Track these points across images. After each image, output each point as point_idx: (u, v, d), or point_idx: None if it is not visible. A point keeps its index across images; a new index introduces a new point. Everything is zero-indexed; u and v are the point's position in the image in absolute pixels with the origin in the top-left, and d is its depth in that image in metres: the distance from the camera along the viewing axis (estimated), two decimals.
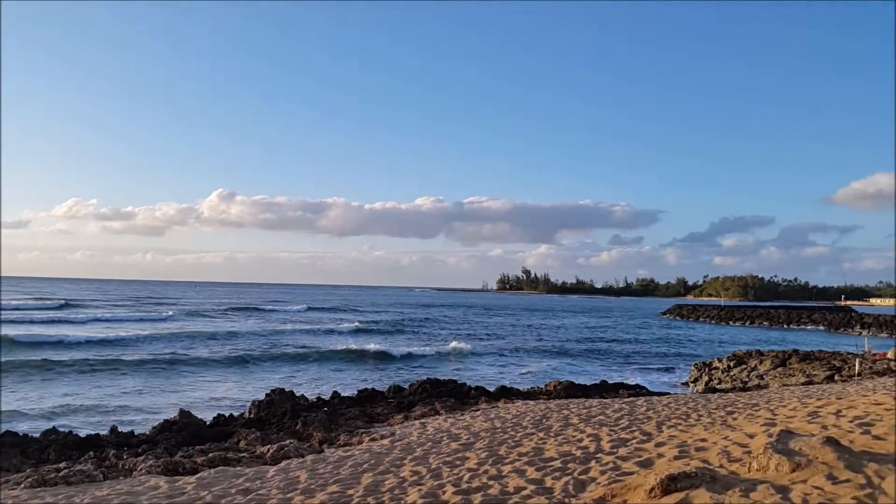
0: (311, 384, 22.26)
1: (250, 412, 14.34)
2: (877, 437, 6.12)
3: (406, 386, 17.73)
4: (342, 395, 16.89)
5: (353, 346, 32.80)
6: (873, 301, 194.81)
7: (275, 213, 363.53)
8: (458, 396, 15.66)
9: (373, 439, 10.19)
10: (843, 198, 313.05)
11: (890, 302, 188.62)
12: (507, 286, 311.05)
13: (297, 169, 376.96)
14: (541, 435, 9.07)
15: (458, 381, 18.11)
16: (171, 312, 59.36)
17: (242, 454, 9.69)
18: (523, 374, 26.84)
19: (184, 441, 11.08)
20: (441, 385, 17.17)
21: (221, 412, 14.57)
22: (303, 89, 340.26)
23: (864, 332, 59.29)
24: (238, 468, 8.48)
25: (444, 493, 6.20)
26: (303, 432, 11.31)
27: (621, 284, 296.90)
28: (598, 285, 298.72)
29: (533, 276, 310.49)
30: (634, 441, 7.89)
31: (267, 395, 15.34)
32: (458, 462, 7.59)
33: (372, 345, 33.52)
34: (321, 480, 7.27)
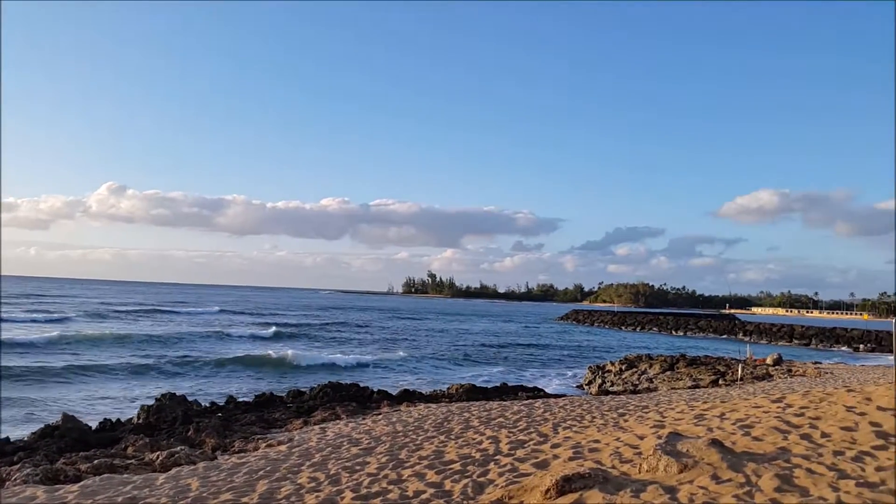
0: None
1: (139, 417, 13.65)
2: (756, 439, 6.51)
3: (307, 390, 17.39)
4: (238, 399, 16.36)
5: (273, 354, 30.83)
6: (755, 310, 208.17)
7: (169, 208, 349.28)
8: (361, 400, 15.50)
9: (269, 445, 9.91)
10: (729, 212, 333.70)
11: (770, 311, 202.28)
12: (413, 289, 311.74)
13: (194, 163, 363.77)
14: (442, 438, 9.11)
15: (361, 385, 17.94)
16: (71, 314, 54.26)
17: (130, 461, 9.20)
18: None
19: (67, 447, 10.42)
20: (343, 389, 16.95)
21: (109, 417, 13.79)
22: (202, 80, 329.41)
23: (746, 339, 63.26)
24: (125, 475, 8.04)
25: (343, 499, 6.10)
26: (195, 438, 10.87)
27: (523, 289, 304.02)
28: (501, 290, 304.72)
29: (438, 279, 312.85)
30: (532, 443, 8.06)
31: (157, 399, 14.64)
32: (357, 467, 7.50)
33: (290, 351, 31.74)
34: (214, 488, 7.00)
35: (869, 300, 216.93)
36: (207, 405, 15.39)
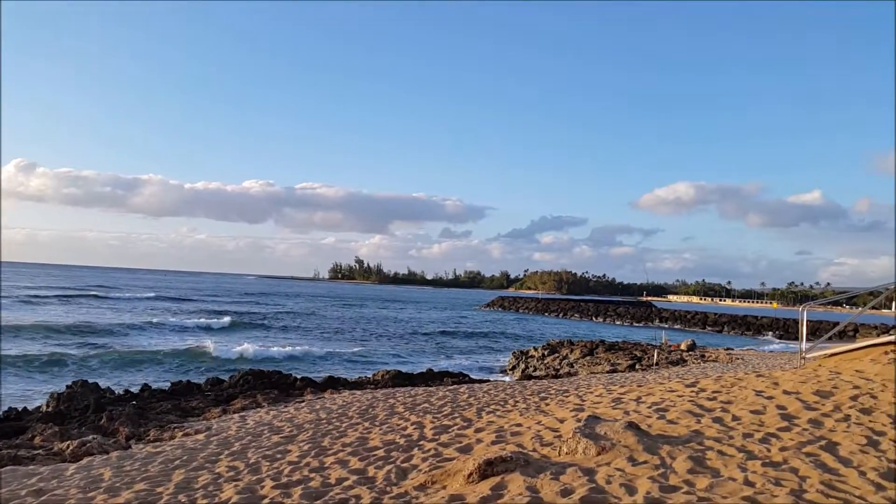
0: None
1: (48, 405, 12.99)
2: (671, 422, 6.74)
3: (226, 378, 16.96)
4: (153, 388, 15.80)
5: (236, 347, 27.97)
6: (671, 297, 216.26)
7: (81, 187, 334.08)
8: (283, 388, 15.24)
9: (186, 434, 9.61)
10: (647, 203, 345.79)
11: (685, 299, 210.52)
12: (340, 275, 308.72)
13: (108, 140, 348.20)
14: (366, 424, 9.05)
15: (284, 373, 17.64)
16: None
17: (37, 451, 8.73)
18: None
19: None
20: (264, 376, 16.61)
21: (14, 406, 13.07)
22: (118, 53, 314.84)
23: (662, 326, 65.63)
24: (31, 467, 7.63)
25: (263, 487, 5.98)
26: (108, 427, 10.42)
27: (451, 276, 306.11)
28: (429, 276, 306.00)
29: (366, 265, 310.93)
30: (456, 427, 8.10)
31: (68, 386, 13.99)
32: (278, 455, 7.36)
33: (248, 345, 29.15)
34: (127, 478, 6.73)
35: (778, 289, 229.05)
36: (121, 393, 14.80)
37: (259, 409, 11.97)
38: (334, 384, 16.20)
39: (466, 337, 44.24)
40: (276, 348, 29.73)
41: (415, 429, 8.29)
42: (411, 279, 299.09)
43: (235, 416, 11.37)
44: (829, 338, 16.80)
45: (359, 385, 16.39)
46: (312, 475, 6.27)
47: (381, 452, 7.03)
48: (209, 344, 28.60)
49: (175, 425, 10.49)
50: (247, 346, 28.68)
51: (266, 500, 5.57)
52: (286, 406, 12.19)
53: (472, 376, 20.20)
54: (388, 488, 5.54)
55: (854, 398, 7.15)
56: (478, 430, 7.70)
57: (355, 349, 32.08)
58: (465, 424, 8.27)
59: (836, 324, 17.84)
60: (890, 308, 13.36)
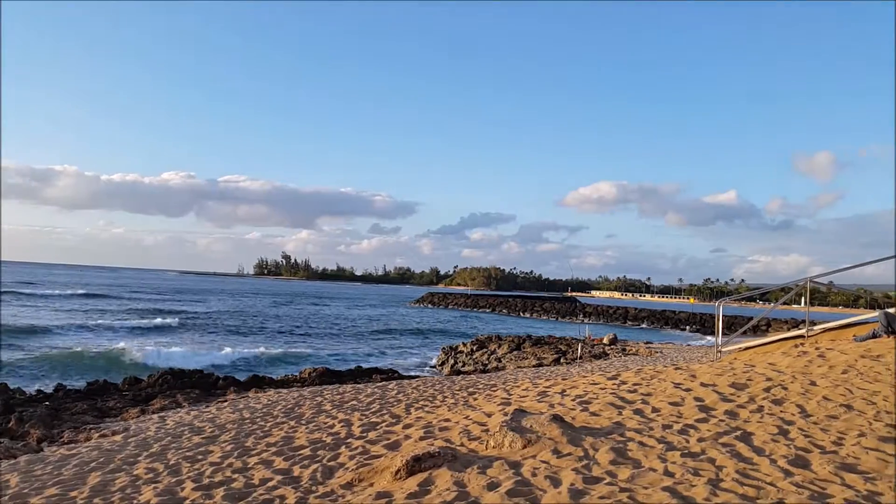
0: None
1: None
2: (594, 414, 6.89)
3: (145, 378, 16.35)
4: (67, 388, 15.10)
5: (180, 353, 25.98)
6: (594, 293, 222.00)
7: None
8: (205, 387, 14.82)
9: (103, 435, 9.22)
10: (573, 201, 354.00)
11: (607, 294, 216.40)
12: (266, 271, 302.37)
13: (19, 129, 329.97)
14: (292, 423, 8.89)
15: (205, 372, 17.15)
16: None
17: None
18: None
19: None
20: (185, 376, 16.12)
21: None
22: (26, 37, 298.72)
23: (586, 320, 67.22)
24: None
25: (183, 489, 5.78)
26: (17, 430, 9.90)
27: (380, 272, 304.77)
28: (358, 272, 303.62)
29: (293, 261, 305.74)
30: (384, 424, 8.05)
31: None
32: (200, 456, 7.14)
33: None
34: (38, 483, 6.39)
35: (695, 286, 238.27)
36: (33, 393, 14.08)
37: (179, 410, 11.60)
38: (259, 383, 15.87)
39: (396, 333, 44.17)
40: (227, 349, 28.32)
41: (342, 427, 8.20)
42: (340, 275, 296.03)
43: (155, 416, 10.99)
44: (744, 332, 17.59)
45: (284, 384, 16.11)
46: (235, 476, 6.10)
47: (307, 452, 6.91)
48: (139, 347, 27.02)
49: (91, 426, 10.06)
50: (176, 349, 27.24)
51: (187, 502, 5.39)
52: (208, 406, 11.86)
53: (402, 373, 20.17)
54: (314, 487, 5.45)
55: (767, 390, 7.48)
56: (406, 427, 7.68)
57: (276, 351, 31.27)
58: (394, 421, 8.23)
59: (750, 319, 18.68)
60: (800, 304, 14.07)
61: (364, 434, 7.56)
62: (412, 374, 20.93)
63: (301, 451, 6.94)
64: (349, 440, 7.30)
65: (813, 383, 7.68)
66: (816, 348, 10.61)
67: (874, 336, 11.34)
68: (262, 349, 29.42)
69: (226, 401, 12.46)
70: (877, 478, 4.43)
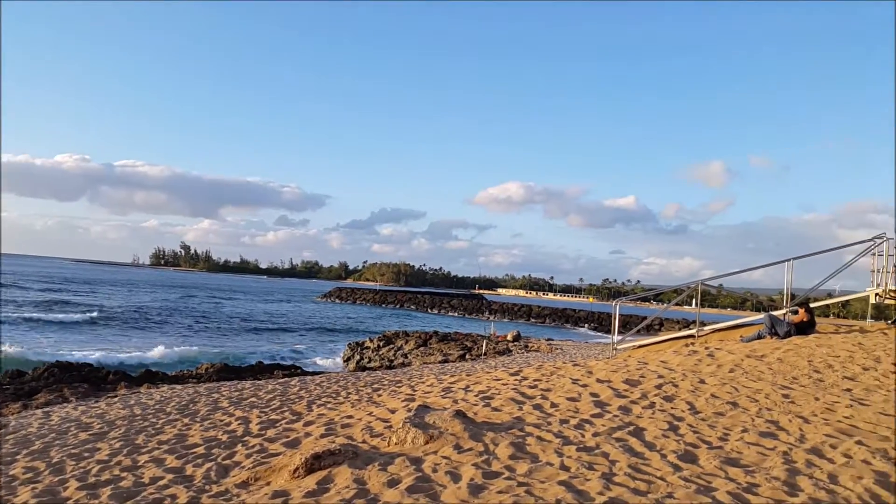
0: None
1: None
2: (495, 409, 6.99)
3: (29, 371, 15.33)
4: None
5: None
6: (500, 291, 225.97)
7: None
8: (94, 382, 14.03)
9: None
10: (482, 200, 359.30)
11: (513, 292, 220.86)
12: (163, 262, 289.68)
13: None
14: (186, 421, 8.54)
15: (95, 365, 16.26)
16: None
17: None
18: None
19: None
20: (73, 369, 15.23)
21: None
22: None
23: (492, 318, 68.34)
24: None
25: (67, 489, 5.43)
26: None
27: (286, 266, 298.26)
28: (264, 265, 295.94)
29: (193, 252, 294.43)
30: (284, 421, 7.87)
31: None
32: (86, 454, 6.74)
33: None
34: None
35: (595, 285, 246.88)
36: None
37: (66, 405, 10.94)
38: (152, 378, 15.18)
39: (301, 328, 43.37)
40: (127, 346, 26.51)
41: (239, 424, 7.95)
42: (244, 268, 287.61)
43: (38, 411, 10.31)
44: (638, 331, 18.35)
45: (179, 379, 15.48)
46: (124, 474, 5.80)
47: (201, 450, 6.65)
48: (31, 341, 25.15)
49: None
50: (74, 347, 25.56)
51: (70, 502, 5.08)
52: (97, 401, 11.23)
53: (306, 368, 19.83)
54: (207, 487, 5.25)
55: (658, 386, 7.81)
56: (307, 424, 7.53)
57: (178, 347, 30.13)
58: (295, 418, 8.06)
59: (645, 318, 19.48)
60: (692, 305, 14.81)
61: (262, 432, 7.35)
62: (316, 370, 20.60)
63: (195, 450, 6.67)
64: (246, 438, 7.08)
65: (702, 381, 8.08)
66: (706, 348, 11.19)
67: (759, 337, 12.09)
68: (160, 348, 28.04)
69: (116, 396, 11.85)
70: (756, 471, 4.70)
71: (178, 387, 13.14)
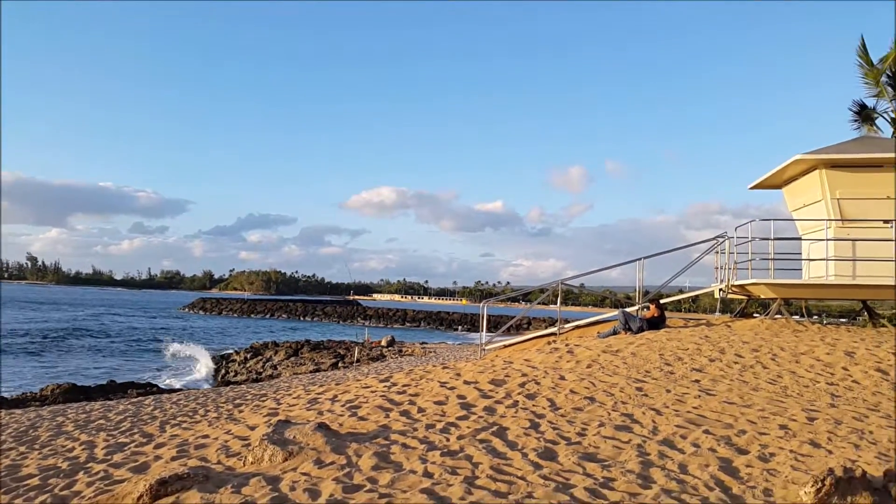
0: None
1: None
2: (362, 419, 6.83)
3: None
4: None
5: None
6: (376, 296, 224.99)
7: None
8: None
9: None
10: (355, 204, 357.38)
11: (388, 297, 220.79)
12: (7, 275, 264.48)
13: None
14: (21, 450, 7.73)
15: None
16: None
17: None
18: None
19: None
20: None
21: None
22: None
23: (366, 323, 67.86)
24: None
25: None
26: None
27: (144, 276, 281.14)
28: (119, 276, 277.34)
29: (40, 263, 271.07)
30: (133, 445, 7.30)
31: None
32: None
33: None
34: None
35: (467, 287, 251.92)
36: None
37: None
38: None
39: (159, 343, 40.97)
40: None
41: (83, 450, 7.29)
42: (97, 279, 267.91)
43: None
44: (507, 330, 18.79)
45: (20, 402, 14.13)
46: None
47: (35, 481, 6.01)
48: None
49: None
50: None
51: None
52: None
53: (163, 386, 18.71)
54: None
55: (522, 385, 7.97)
56: (158, 446, 7.02)
57: (23, 367, 27.66)
58: (145, 441, 7.50)
59: (514, 318, 20.01)
60: (555, 303, 15.39)
61: (108, 457, 6.77)
62: (175, 387, 19.49)
63: (28, 482, 6.02)
64: (90, 464, 6.49)
65: (562, 377, 8.33)
66: (566, 345, 11.59)
67: (615, 333, 12.68)
68: None
69: None
70: (612, 465, 4.85)
71: (18, 411, 11.92)
